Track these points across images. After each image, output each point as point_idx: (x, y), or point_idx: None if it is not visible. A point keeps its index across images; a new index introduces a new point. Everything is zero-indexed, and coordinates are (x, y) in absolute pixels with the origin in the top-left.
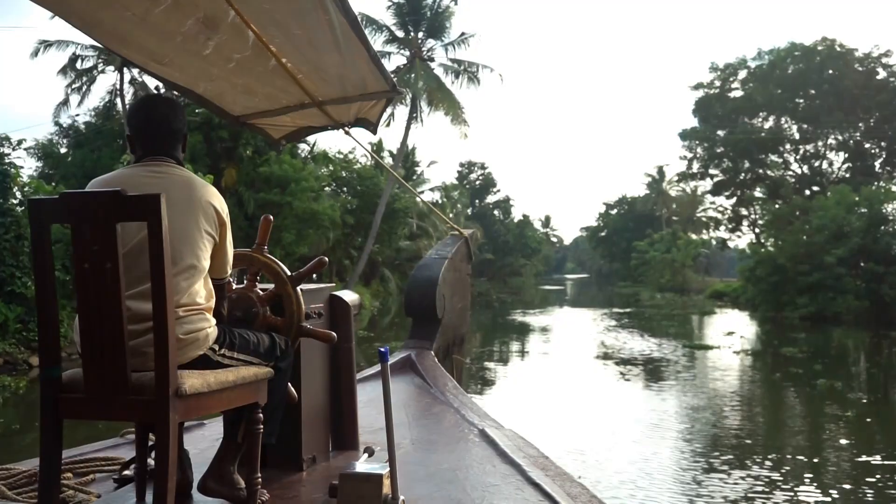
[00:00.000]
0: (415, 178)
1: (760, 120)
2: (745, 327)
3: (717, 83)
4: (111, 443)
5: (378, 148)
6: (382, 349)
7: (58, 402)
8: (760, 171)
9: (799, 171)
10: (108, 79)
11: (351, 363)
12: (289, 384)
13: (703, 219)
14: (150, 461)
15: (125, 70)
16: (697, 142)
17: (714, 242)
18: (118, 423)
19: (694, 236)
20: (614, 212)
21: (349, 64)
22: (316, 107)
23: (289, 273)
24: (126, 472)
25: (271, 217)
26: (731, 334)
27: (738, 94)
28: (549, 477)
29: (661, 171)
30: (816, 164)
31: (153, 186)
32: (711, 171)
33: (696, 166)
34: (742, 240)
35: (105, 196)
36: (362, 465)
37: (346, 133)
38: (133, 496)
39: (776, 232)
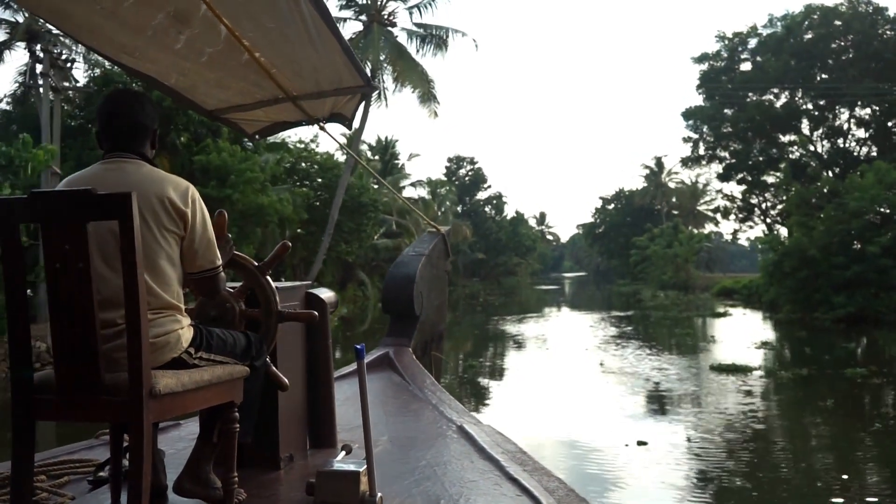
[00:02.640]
0: (395, 172)
1: (772, 96)
2: (774, 334)
3: (725, 54)
4: (85, 444)
5: (351, 140)
6: (359, 346)
7: (29, 404)
8: (774, 151)
9: (818, 150)
10: (19, 58)
11: (328, 361)
12: (277, 373)
13: (706, 211)
14: (126, 462)
15: (37, 49)
16: (702, 121)
17: (713, 236)
18: (93, 424)
19: (695, 230)
20: (611, 206)
21: (323, 58)
22: (290, 101)
23: (255, 263)
24: (101, 474)
25: (289, 244)
26: (763, 346)
27: (747, 66)
28: (527, 472)
29: (659, 162)
30: (840, 141)
31: (105, 184)
32: (719, 154)
33: (702, 149)
34: (752, 231)
35: (75, 195)
36: (340, 463)
37: (321, 128)
38: (108, 498)
39: (803, 218)
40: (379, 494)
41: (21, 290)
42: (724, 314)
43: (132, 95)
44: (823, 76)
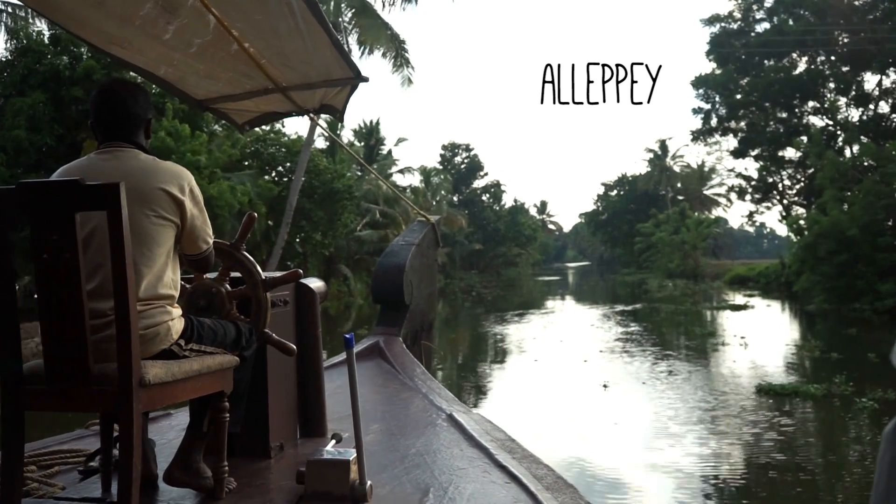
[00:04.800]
0: (380, 157)
1: (787, 62)
2: (814, 332)
3: (738, 15)
4: (76, 434)
5: (333, 127)
6: (348, 336)
7: (19, 394)
8: (794, 122)
9: (844, 119)
10: None
11: (318, 350)
12: (281, 339)
13: (713, 196)
14: (116, 452)
15: None
16: (714, 90)
17: (720, 221)
18: (84, 414)
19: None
20: (614, 193)
21: (312, 50)
22: (280, 92)
23: (263, 277)
24: (91, 464)
25: (255, 214)
26: (810, 351)
27: (762, 28)
28: (516, 459)
29: (663, 145)
30: (870, 109)
31: (101, 174)
32: (733, 126)
33: (714, 121)
34: (766, 215)
35: (63, 185)
36: (330, 452)
37: (312, 119)
38: (98, 488)
39: (839, 192)
40: (368, 482)
41: (9, 281)
42: (745, 307)
43: (123, 86)
44: (845, 38)
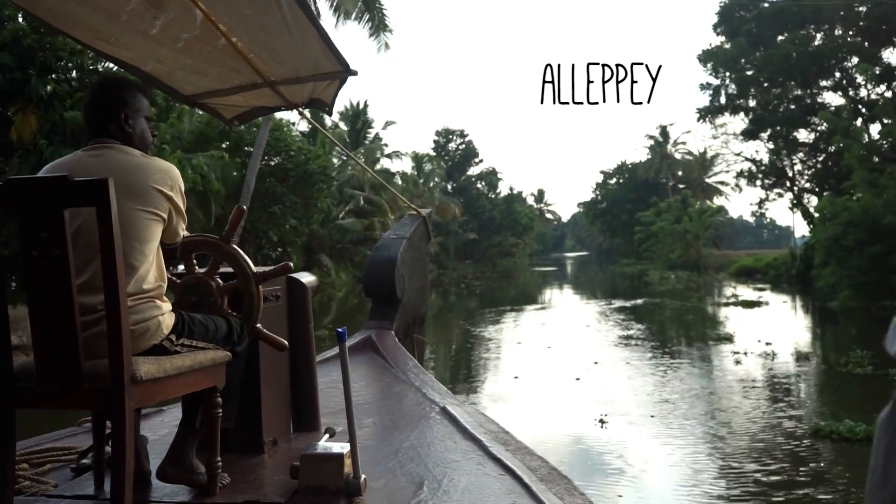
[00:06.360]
0: (367, 141)
1: (805, 34)
2: (849, 336)
3: None
4: (67, 432)
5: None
6: (340, 330)
7: (9, 393)
8: (808, 101)
9: (865, 96)
10: None
11: (310, 344)
12: (272, 335)
13: (715, 184)
14: (108, 449)
15: None
16: (723, 66)
17: (722, 210)
18: (75, 412)
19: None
20: (613, 181)
21: (300, 44)
22: (268, 87)
23: (254, 270)
24: (83, 461)
25: (244, 208)
26: (857, 364)
27: None
28: (510, 451)
29: (664, 131)
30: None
31: (89, 171)
32: (743, 105)
33: (723, 98)
34: (775, 203)
35: (51, 181)
36: (323, 446)
37: (300, 114)
38: (91, 485)
39: (870, 175)
40: (363, 476)
41: None
42: (758, 303)
43: (101, 82)
44: (862, 8)
